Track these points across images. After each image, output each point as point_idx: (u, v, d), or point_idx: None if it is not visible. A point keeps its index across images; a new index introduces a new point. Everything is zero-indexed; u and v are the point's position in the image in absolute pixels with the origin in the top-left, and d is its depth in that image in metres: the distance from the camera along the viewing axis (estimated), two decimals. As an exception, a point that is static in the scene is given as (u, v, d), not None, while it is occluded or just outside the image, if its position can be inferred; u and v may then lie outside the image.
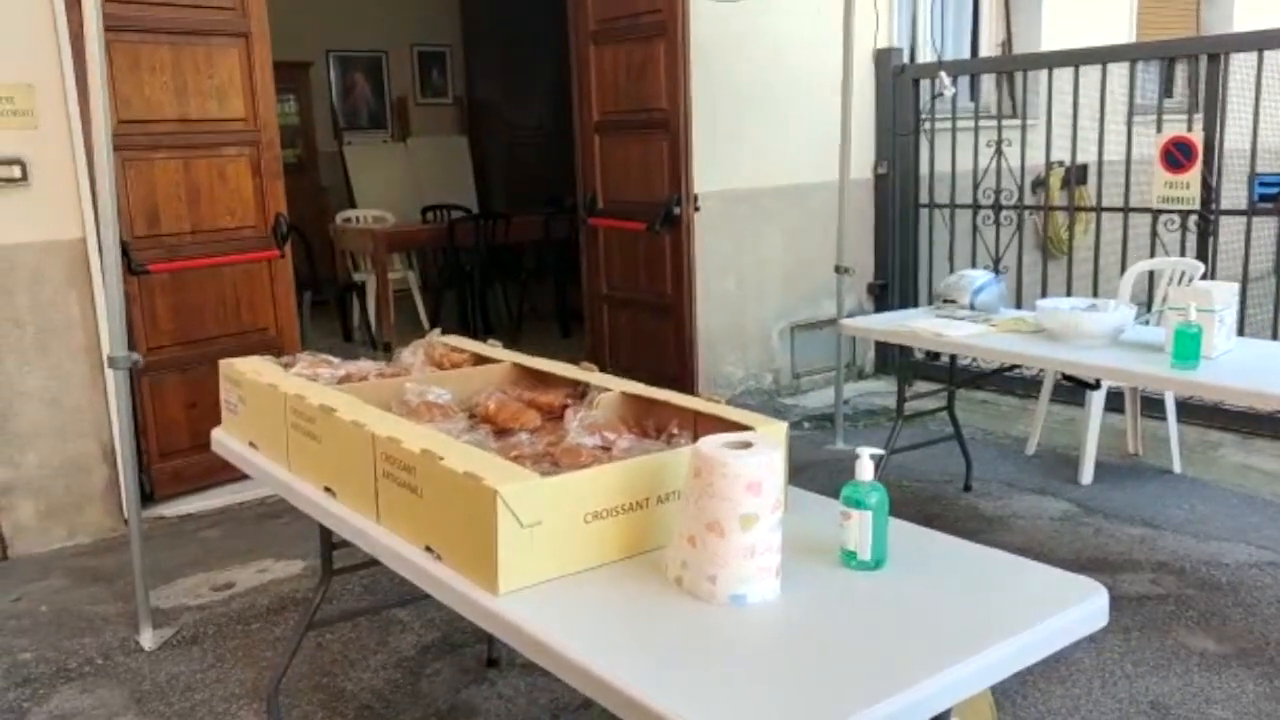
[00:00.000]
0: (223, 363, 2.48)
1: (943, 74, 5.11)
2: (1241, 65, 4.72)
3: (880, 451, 1.67)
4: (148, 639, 3.05)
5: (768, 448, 1.52)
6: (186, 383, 4.04)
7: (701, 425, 1.89)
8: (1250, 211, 4.66)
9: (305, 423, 2.08)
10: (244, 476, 2.53)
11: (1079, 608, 1.50)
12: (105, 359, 3.05)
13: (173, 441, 4.03)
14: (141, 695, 2.77)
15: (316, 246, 7.63)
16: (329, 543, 2.47)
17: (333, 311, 7.62)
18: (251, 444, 2.35)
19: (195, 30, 3.94)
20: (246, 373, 2.35)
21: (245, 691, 2.77)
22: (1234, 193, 4.79)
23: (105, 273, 2.99)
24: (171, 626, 3.14)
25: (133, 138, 3.78)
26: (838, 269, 4.82)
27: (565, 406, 2.12)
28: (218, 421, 2.56)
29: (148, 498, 3.92)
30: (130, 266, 3.72)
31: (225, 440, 2.47)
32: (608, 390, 2.09)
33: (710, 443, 1.54)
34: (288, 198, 4.29)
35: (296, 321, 4.39)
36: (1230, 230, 4.78)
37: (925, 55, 6.18)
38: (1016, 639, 1.41)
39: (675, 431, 1.89)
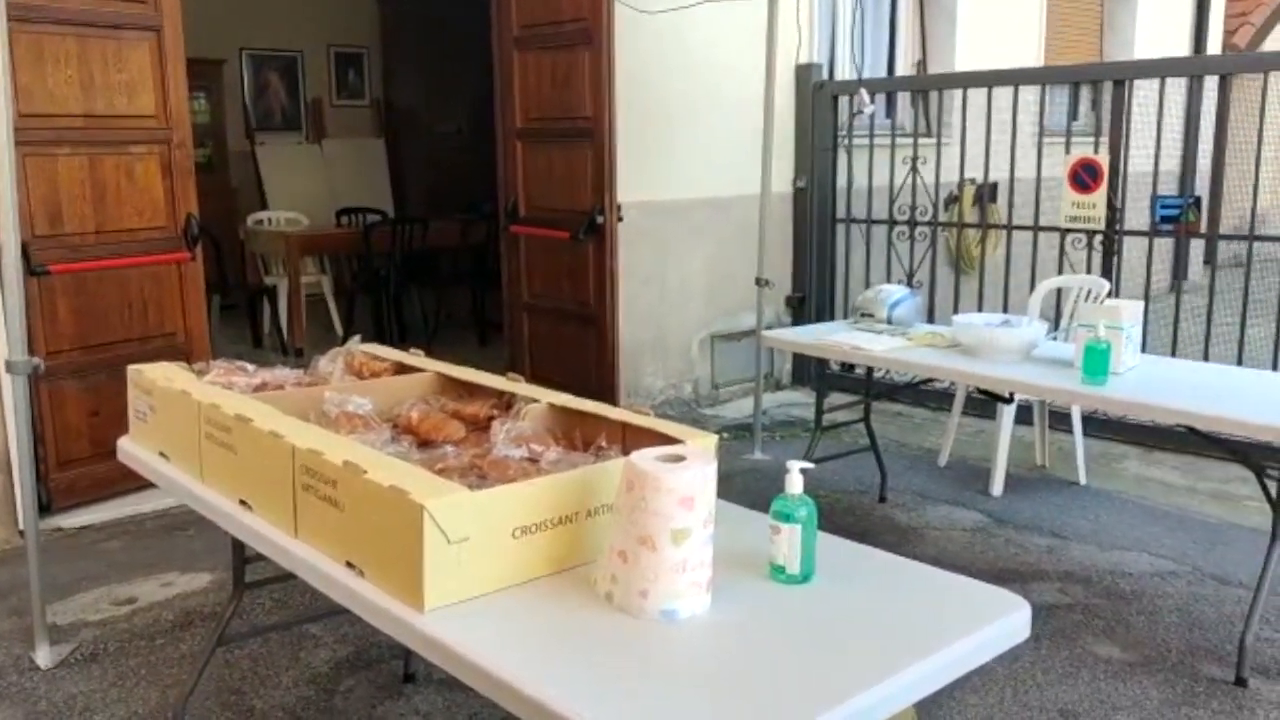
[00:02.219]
0: (131, 369, 2.38)
1: (863, 91, 5.19)
2: (1144, 91, 4.90)
3: (809, 465, 1.67)
4: (44, 657, 2.91)
5: (701, 462, 1.51)
6: (88, 389, 3.89)
7: (630, 438, 1.88)
8: (1152, 232, 4.84)
9: (220, 433, 2.01)
10: (147, 486, 2.44)
11: (1002, 622, 1.54)
12: (2, 364, 2.91)
13: (72, 450, 3.88)
14: (37, 716, 2.65)
15: (226, 249, 7.41)
16: (241, 556, 2.39)
17: (242, 316, 7.42)
18: (162, 454, 2.26)
19: (104, 23, 3.80)
20: (157, 380, 2.26)
21: (149, 711, 2.67)
22: (1137, 214, 4.97)
23: (4, 273, 2.86)
24: (69, 643, 3.00)
25: (34, 132, 3.62)
26: (758, 281, 4.85)
27: (491, 418, 2.09)
28: (121, 429, 2.46)
29: (45, 508, 3.75)
30: (30, 267, 3.56)
31: (133, 450, 2.37)
32: (535, 401, 2.06)
33: (643, 456, 1.53)
34: (197, 198, 4.16)
35: (207, 327, 4.26)
36: (1132, 249, 4.95)
37: (844, 72, 6.29)
38: (944, 653, 1.42)
39: (604, 444, 1.87)
